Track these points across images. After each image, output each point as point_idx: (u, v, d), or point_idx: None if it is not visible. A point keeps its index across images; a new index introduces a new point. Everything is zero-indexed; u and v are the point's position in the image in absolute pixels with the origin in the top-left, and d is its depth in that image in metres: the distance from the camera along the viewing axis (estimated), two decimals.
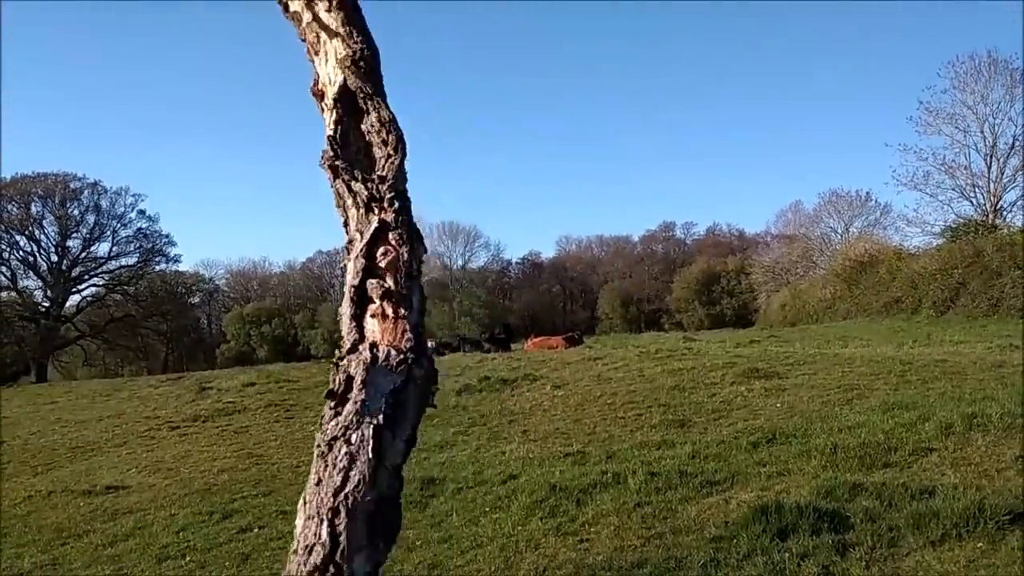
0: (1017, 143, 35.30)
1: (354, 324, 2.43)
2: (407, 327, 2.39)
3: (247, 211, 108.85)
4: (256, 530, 6.40)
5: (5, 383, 34.34)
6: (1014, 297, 24.93)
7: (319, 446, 2.27)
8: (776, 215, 59.80)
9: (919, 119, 37.47)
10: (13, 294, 49.41)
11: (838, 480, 5.52)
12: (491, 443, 8.76)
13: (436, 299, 66.00)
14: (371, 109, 2.54)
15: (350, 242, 2.52)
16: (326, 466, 2.22)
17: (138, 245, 54.59)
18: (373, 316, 2.42)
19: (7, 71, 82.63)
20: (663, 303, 66.23)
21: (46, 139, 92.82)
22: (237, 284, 76.06)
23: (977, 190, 36.75)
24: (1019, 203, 36.32)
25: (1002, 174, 35.94)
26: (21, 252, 50.16)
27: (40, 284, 51.36)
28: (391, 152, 2.49)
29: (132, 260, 54.85)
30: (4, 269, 49.26)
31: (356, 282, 2.43)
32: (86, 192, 51.70)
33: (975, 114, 35.90)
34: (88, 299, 54.50)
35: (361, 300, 2.44)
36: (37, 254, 50.68)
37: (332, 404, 2.31)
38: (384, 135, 2.51)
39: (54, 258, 51.03)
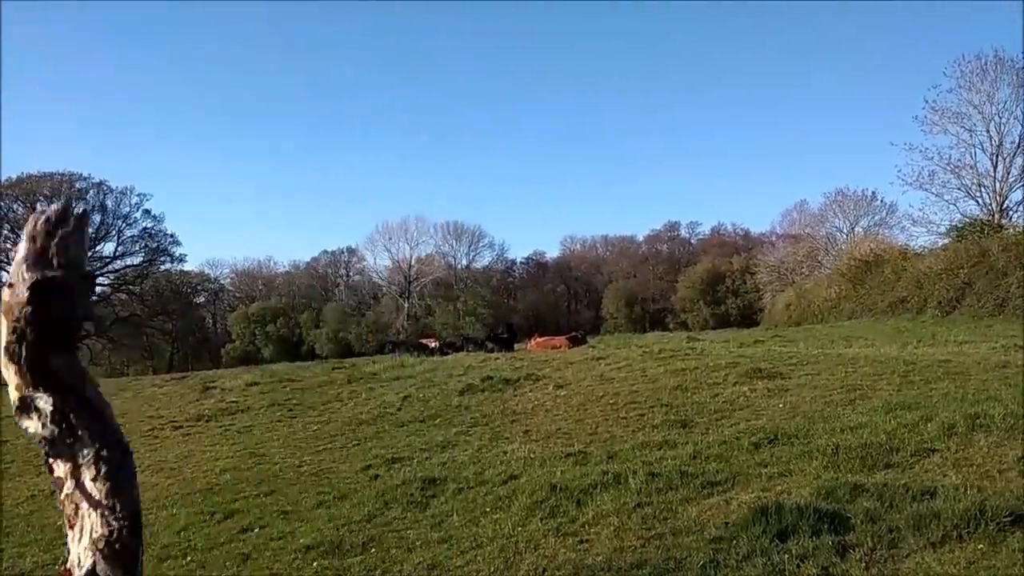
0: (1023, 142, 35.22)
1: None
2: None
3: (252, 210, 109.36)
4: (257, 530, 6.42)
5: None
6: (1019, 297, 24.76)
7: None
8: (781, 215, 59.87)
9: (925, 118, 37.35)
10: None
11: (839, 481, 5.49)
12: (493, 443, 8.75)
13: (441, 299, 66.13)
14: None
15: None
16: None
17: (143, 245, 55.02)
18: None
19: (14, 71, 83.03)
20: (668, 303, 66.26)
21: (52, 139, 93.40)
22: (242, 284, 76.34)
23: (983, 189, 36.61)
24: None
25: (1008, 173, 35.80)
26: None
27: None
28: None
29: (137, 260, 55.27)
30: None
31: None
32: (92, 192, 52.11)
33: (981, 113, 35.77)
34: (93, 298, 54.68)
35: None
36: None
37: None
38: None
39: None
